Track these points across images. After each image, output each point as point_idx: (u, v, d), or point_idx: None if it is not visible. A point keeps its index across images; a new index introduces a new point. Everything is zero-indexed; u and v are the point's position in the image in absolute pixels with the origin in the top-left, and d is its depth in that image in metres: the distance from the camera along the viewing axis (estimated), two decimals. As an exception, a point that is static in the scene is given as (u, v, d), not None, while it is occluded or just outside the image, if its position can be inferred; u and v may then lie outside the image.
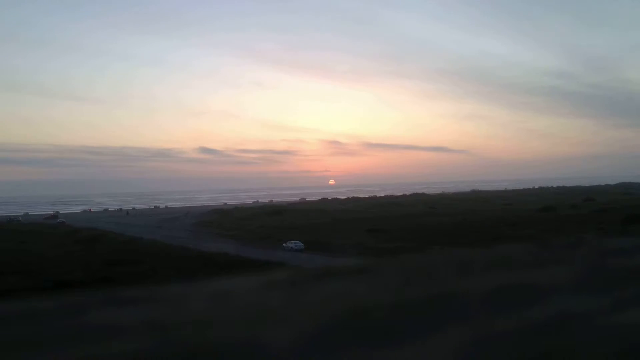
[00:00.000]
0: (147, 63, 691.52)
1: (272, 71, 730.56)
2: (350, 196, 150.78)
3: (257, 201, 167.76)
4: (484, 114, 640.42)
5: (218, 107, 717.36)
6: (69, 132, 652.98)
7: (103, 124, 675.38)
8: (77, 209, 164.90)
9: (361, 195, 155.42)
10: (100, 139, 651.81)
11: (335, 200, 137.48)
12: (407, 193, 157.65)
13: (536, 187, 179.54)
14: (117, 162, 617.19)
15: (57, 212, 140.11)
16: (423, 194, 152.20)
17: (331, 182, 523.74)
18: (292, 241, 51.01)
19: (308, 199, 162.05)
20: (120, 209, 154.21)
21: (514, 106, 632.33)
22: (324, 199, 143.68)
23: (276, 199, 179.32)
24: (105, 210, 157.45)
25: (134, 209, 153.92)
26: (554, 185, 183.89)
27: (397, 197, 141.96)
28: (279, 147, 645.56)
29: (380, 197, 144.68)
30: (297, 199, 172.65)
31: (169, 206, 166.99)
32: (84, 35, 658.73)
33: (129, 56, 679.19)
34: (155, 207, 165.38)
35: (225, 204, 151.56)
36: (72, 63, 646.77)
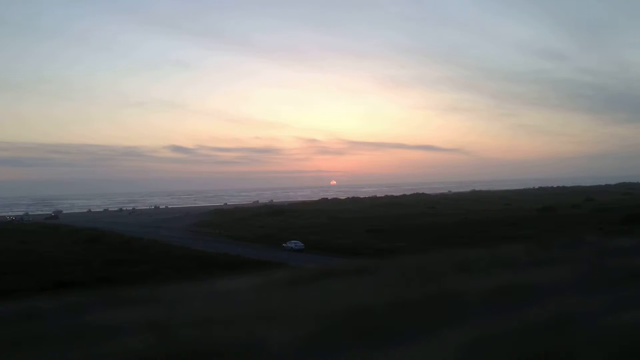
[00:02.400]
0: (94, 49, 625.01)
1: (206, 54, 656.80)
2: (350, 196, 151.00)
3: (257, 201, 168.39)
4: (467, 106, 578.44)
5: (160, 95, 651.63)
6: (10, 127, 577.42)
7: (47, 118, 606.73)
8: (68, 210, 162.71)
9: (360, 196, 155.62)
10: (54, 135, 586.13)
11: (335, 200, 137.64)
12: (407, 193, 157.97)
13: (536, 187, 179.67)
14: (82, 161, 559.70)
15: (59, 211, 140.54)
16: (423, 194, 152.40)
17: (332, 182, 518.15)
18: (292, 241, 51.04)
19: (303, 199, 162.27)
20: (121, 209, 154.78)
21: (498, 96, 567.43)
22: (323, 199, 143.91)
23: (276, 200, 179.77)
24: (106, 210, 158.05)
25: (134, 209, 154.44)
26: (554, 185, 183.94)
27: (397, 197, 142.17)
28: (255, 145, 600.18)
29: (380, 197, 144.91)
30: (298, 199, 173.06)
31: (169, 206, 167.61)
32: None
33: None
34: (155, 207, 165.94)
35: (226, 204, 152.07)
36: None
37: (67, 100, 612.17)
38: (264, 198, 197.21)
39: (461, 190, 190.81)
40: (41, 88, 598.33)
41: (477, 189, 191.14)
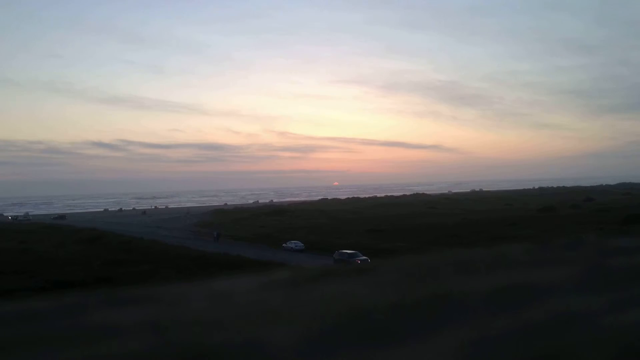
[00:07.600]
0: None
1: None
2: (350, 196, 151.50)
3: (257, 201, 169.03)
4: (412, 81, 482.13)
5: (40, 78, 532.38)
6: None
7: None
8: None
9: (361, 196, 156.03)
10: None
11: (336, 200, 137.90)
12: (407, 193, 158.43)
13: (536, 187, 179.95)
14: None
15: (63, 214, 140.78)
16: (423, 194, 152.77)
17: (335, 183, 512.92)
18: (292, 241, 51.11)
19: (303, 199, 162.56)
20: (120, 209, 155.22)
21: (450, 70, 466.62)
22: (324, 199, 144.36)
23: (276, 200, 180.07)
24: (106, 210, 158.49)
25: (134, 209, 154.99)
26: (554, 185, 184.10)
27: (397, 197, 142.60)
28: (196, 140, 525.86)
29: (380, 197, 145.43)
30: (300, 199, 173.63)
31: (169, 206, 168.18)
32: None
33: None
34: (154, 207, 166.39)
35: (226, 204, 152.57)
36: None
37: None
38: (259, 199, 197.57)
39: (456, 191, 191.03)
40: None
41: (475, 189, 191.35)
